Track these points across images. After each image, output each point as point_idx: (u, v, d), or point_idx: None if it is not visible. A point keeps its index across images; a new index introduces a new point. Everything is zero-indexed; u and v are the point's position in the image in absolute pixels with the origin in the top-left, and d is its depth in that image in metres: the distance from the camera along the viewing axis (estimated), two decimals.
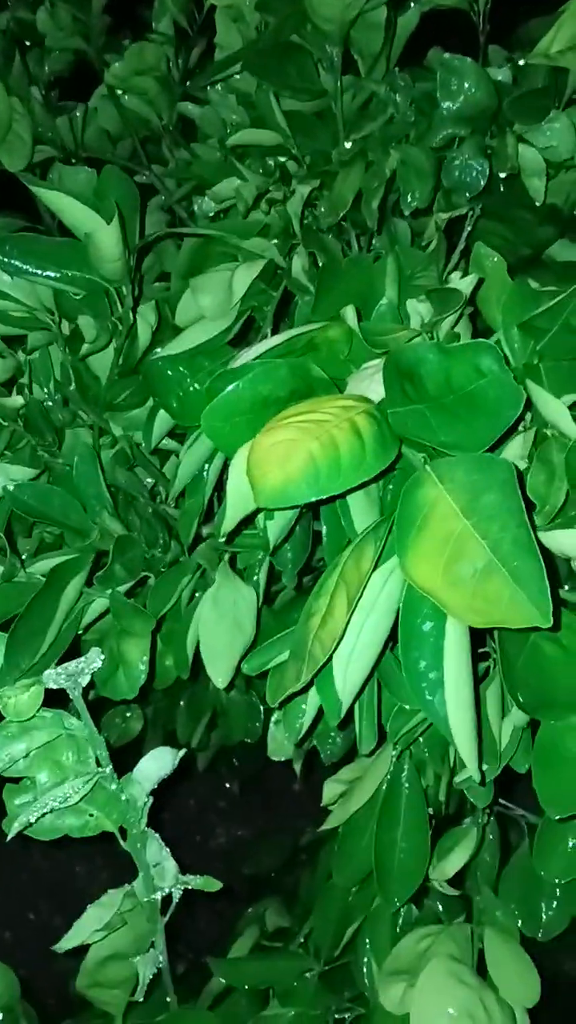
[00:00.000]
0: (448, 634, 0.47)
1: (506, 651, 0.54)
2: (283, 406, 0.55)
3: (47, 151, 1.20)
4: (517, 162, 0.82)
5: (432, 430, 0.52)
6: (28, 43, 1.26)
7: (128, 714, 1.01)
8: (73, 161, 1.22)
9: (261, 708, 1.12)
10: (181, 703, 1.13)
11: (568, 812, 0.51)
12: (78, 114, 1.20)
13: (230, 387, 0.55)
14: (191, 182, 1.16)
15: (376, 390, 0.56)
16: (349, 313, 0.59)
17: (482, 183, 0.82)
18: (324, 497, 0.48)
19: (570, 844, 0.65)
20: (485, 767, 0.57)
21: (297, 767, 0.87)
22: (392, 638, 0.53)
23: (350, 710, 0.55)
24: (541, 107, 0.81)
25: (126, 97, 1.21)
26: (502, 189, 0.92)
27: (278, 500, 0.48)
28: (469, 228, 0.80)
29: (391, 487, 0.60)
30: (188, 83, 1.21)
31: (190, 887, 0.70)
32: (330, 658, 0.48)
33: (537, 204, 0.90)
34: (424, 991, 0.58)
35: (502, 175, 0.84)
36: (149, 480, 0.83)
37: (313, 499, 0.48)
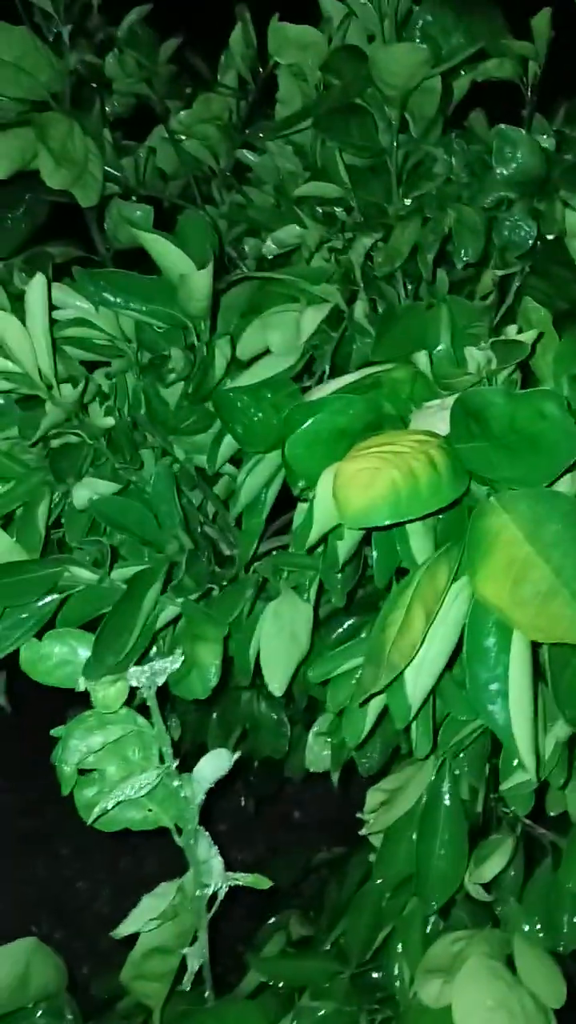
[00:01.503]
0: (513, 649, 0.53)
1: (553, 670, 0.59)
2: (357, 438, 0.61)
3: (111, 188, 1.28)
4: (564, 225, 0.89)
5: (494, 466, 0.58)
6: (94, 84, 1.34)
7: (170, 723, 1.05)
8: (133, 198, 1.29)
9: (289, 726, 1.17)
10: (214, 716, 1.17)
11: None
12: (141, 154, 1.27)
13: (311, 419, 0.61)
14: (243, 224, 1.23)
15: (440, 427, 0.62)
16: (422, 358, 0.65)
17: (530, 243, 0.89)
18: (403, 521, 0.54)
19: None
20: (528, 777, 0.62)
21: (335, 778, 0.91)
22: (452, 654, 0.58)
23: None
24: None
25: (186, 140, 1.28)
26: (539, 247, 1.00)
27: (363, 521, 0.53)
28: (518, 284, 0.87)
29: (442, 517, 0.66)
30: (247, 131, 1.29)
31: (239, 883, 0.74)
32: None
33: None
34: (463, 985, 0.62)
35: (548, 237, 0.91)
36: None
37: (393, 522, 0.53)
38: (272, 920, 1.08)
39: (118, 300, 0.76)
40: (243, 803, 1.49)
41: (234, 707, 1.18)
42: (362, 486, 0.54)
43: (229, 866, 0.75)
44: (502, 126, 0.89)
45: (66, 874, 1.80)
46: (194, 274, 0.70)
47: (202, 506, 0.93)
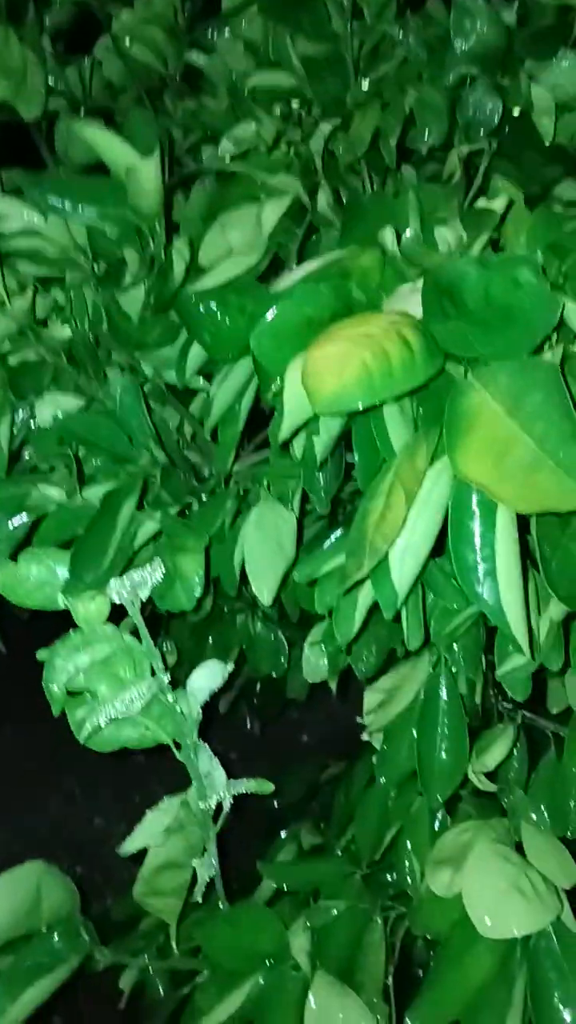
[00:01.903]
0: (498, 527, 0.51)
1: (543, 551, 0.58)
2: (325, 327, 0.58)
3: (57, 103, 1.21)
4: (529, 100, 0.84)
5: (471, 344, 0.55)
6: None
7: (165, 647, 1.05)
8: (82, 113, 1.23)
9: (286, 643, 1.17)
10: (209, 640, 1.17)
11: None
12: (86, 65, 1.21)
13: (276, 309, 0.58)
14: (198, 132, 1.17)
15: (413, 310, 0.59)
16: (388, 235, 0.62)
17: (496, 120, 0.84)
18: (377, 403, 0.52)
19: None
20: (524, 661, 0.62)
21: (333, 684, 0.91)
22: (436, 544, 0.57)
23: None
24: (550, 46, 0.83)
25: (132, 48, 1.21)
26: (509, 130, 0.95)
27: (334, 406, 0.51)
28: (485, 164, 0.83)
29: (422, 409, 0.63)
30: (193, 32, 1.22)
31: (242, 791, 0.74)
32: (386, 553, 0.52)
33: (545, 144, 0.93)
34: (473, 871, 0.62)
35: (513, 114, 0.86)
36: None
37: (368, 404, 0.51)
38: (283, 834, 1.09)
39: (66, 205, 0.72)
40: (248, 726, 1.50)
41: (229, 629, 1.17)
42: (332, 371, 0.51)
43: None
44: None
45: (79, 811, 1.83)
46: (141, 165, 0.66)
47: (180, 427, 0.90)
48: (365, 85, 0.88)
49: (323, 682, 1.03)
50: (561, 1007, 0.60)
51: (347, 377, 0.50)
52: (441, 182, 0.87)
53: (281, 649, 1.16)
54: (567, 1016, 0.59)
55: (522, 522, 0.56)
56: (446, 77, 0.86)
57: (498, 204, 0.60)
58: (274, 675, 1.21)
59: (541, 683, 0.91)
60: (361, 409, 0.51)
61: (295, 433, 0.60)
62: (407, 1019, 0.61)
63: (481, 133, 0.84)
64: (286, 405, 0.55)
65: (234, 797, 0.75)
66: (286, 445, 0.63)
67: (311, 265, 0.63)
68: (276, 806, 1.40)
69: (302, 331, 0.58)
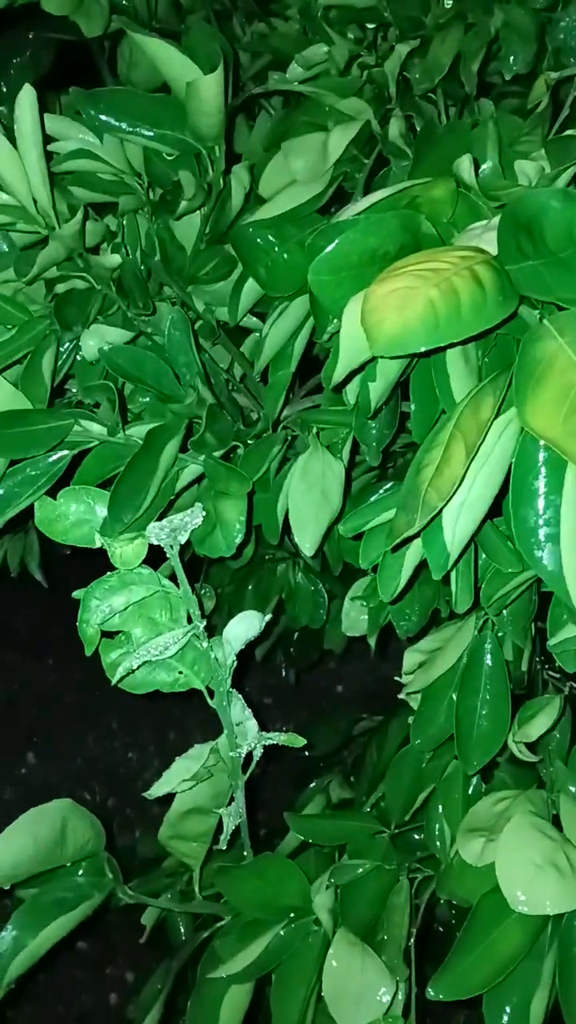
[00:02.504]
0: (566, 489, 0.47)
1: None
2: (391, 262, 0.54)
3: (120, 22, 1.16)
4: None
5: (550, 286, 0.50)
6: None
7: (204, 591, 1.03)
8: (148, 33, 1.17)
9: (326, 595, 1.14)
10: (249, 587, 1.15)
11: None
12: None
13: (337, 240, 0.54)
14: (267, 56, 1.11)
15: (487, 248, 0.55)
16: (464, 165, 0.57)
17: None
18: (442, 345, 0.48)
19: None
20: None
21: (372, 641, 0.88)
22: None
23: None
24: None
25: None
26: None
27: (396, 347, 0.47)
28: (575, 95, 0.76)
29: (489, 357, 0.59)
30: None
31: (273, 742, 0.72)
32: (440, 510, 0.49)
33: None
34: (508, 842, 0.60)
35: None
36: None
37: (432, 346, 0.47)
38: (313, 784, 1.08)
39: (122, 124, 0.68)
40: (284, 675, 1.49)
41: (270, 578, 1.15)
42: (395, 308, 0.47)
43: (286, 728, 0.74)
44: None
45: (116, 746, 1.86)
46: (203, 80, 0.62)
47: (230, 367, 0.87)
48: (449, 4, 0.81)
49: (362, 636, 1.01)
50: None
51: (410, 316, 0.46)
52: (523, 114, 0.81)
53: (321, 601, 1.14)
54: None
55: None
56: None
57: None
58: (311, 626, 1.20)
59: None
60: (424, 352, 0.47)
61: (350, 377, 0.56)
62: (429, 989, 0.60)
63: (572, 61, 0.77)
64: (342, 345, 0.51)
65: (265, 747, 0.74)
66: (339, 389, 0.59)
67: (378, 195, 0.58)
68: (308, 755, 1.40)
69: (365, 265, 0.54)
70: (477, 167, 0.64)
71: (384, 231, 0.54)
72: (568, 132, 0.60)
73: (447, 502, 0.46)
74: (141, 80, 1.16)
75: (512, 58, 0.78)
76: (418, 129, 0.77)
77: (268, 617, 0.74)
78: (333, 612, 1.18)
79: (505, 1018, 0.59)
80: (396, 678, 0.80)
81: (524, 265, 0.51)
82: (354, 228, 0.54)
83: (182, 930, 0.94)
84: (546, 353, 0.48)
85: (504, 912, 0.59)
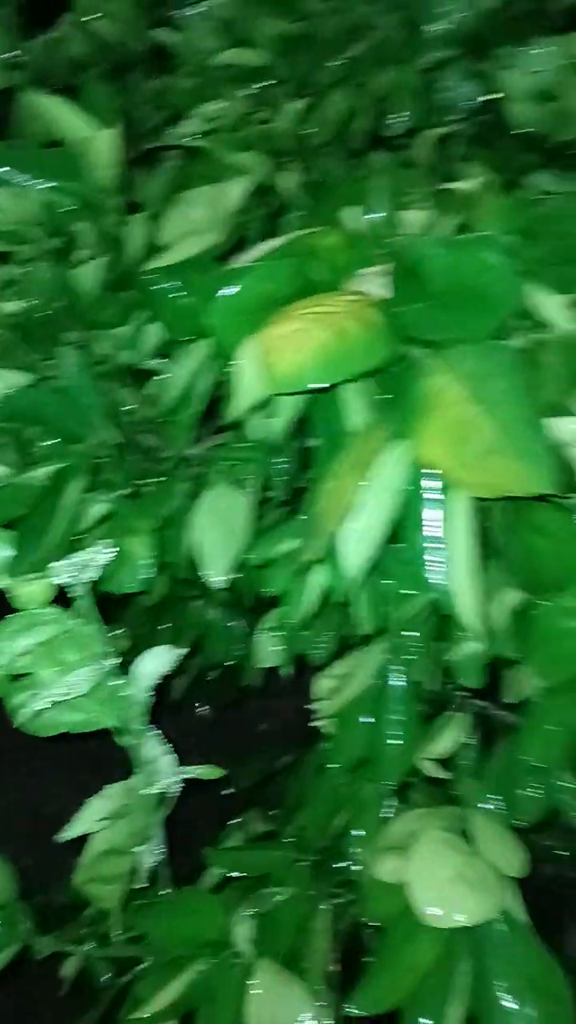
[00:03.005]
0: (453, 512, 0.50)
1: (503, 538, 0.57)
2: (285, 306, 0.57)
3: (17, 77, 1.18)
4: (505, 86, 0.84)
5: (435, 326, 0.54)
6: None
7: (120, 633, 1.03)
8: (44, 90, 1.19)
9: (239, 630, 1.15)
10: (163, 627, 1.15)
11: (557, 679, 0.55)
12: (50, 39, 1.18)
13: (235, 285, 0.57)
14: (165, 111, 1.15)
15: (376, 293, 0.58)
16: (353, 214, 0.61)
17: (469, 105, 0.83)
18: (334, 382, 0.51)
19: (553, 727, 0.70)
20: (477, 648, 0.61)
21: (285, 671, 0.90)
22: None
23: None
24: (529, 31, 0.83)
25: (98, 23, 1.19)
26: (483, 116, 0.95)
27: (292, 385, 0.50)
28: (459, 149, 0.82)
29: (383, 395, 0.62)
30: (161, 9, 1.19)
31: (190, 776, 0.73)
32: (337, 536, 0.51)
33: (520, 131, 0.93)
34: (419, 858, 0.62)
35: (488, 99, 0.86)
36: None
37: (324, 383, 0.50)
38: (232, 822, 1.08)
39: (20, 178, 0.70)
40: (204, 714, 1.49)
41: (184, 616, 1.16)
42: (290, 347, 0.50)
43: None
44: None
45: (30, 797, 1.80)
46: (99, 135, 0.64)
47: (136, 410, 0.88)
48: (340, 65, 0.87)
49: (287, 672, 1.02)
50: (503, 996, 0.60)
51: (304, 355, 0.49)
52: (411, 167, 0.86)
53: (235, 636, 1.15)
54: (509, 1005, 0.59)
55: (482, 511, 0.56)
56: (421, 59, 0.85)
57: (469, 186, 0.59)
58: (228, 663, 1.20)
59: (498, 673, 0.91)
60: (317, 388, 0.50)
61: (253, 413, 0.59)
62: (350, 1004, 0.61)
63: (454, 118, 0.83)
64: (241, 382, 0.54)
65: (185, 786, 0.74)
66: (237, 425, 0.62)
67: (273, 243, 0.62)
68: (228, 794, 1.39)
69: (261, 309, 0.57)
70: (367, 217, 0.68)
71: (279, 276, 0.57)
72: (451, 184, 0.64)
73: (344, 528, 0.49)
74: (37, 132, 1.18)
75: (400, 115, 0.83)
76: (312, 182, 0.81)
77: (184, 651, 0.75)
78: (250, 647, 1.19)
79: None
80: (307, 706, 0.82)
81: (412, 307, 0.55)
82: (251, 274, 0.57)
83: (102, 978, 0.92)
84: (433, 388, 0.51)
85: (418, 926, 0.61)
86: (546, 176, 0.96)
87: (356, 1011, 0.61)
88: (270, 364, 0.49)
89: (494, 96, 0.84)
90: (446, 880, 0.60)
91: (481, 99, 0.84)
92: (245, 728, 1.85)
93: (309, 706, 0.94)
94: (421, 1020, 0.60)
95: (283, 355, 0.49)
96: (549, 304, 0.57)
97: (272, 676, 1.34)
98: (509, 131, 0.91)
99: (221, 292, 0.56)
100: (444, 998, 0.61)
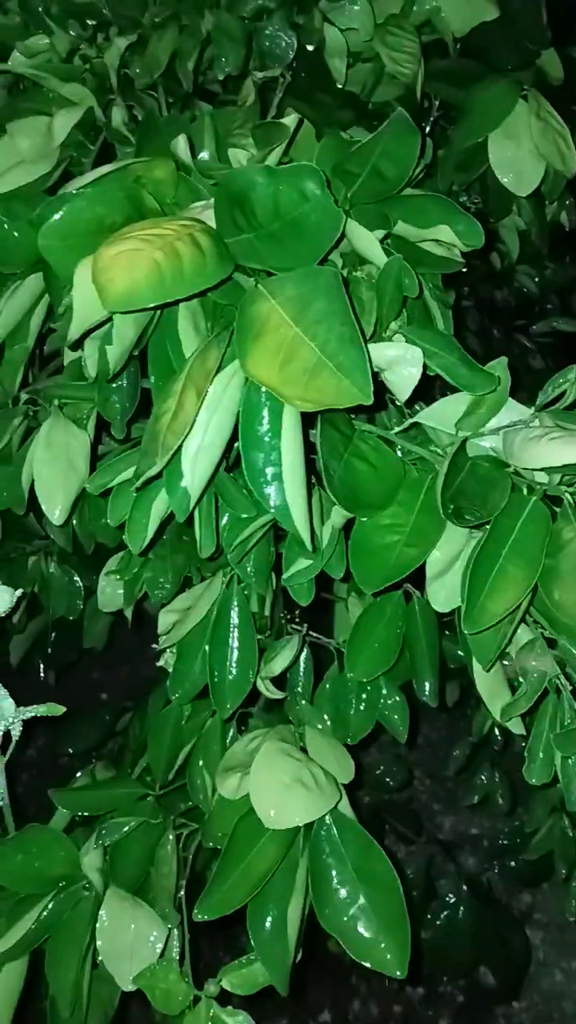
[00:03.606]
0: (284, 432, 0.53)
1: (328, 466, 0.61)
2: (117, 230, 0.57)
3: None
4: (323, 39, 0.87)
5: (261, 256, 0.57)
6: None
7: None
8: None
9: (81, 585, 1.15)
10: None
11: (379, 586, 0.60)
12: None
13: (65, 208, 0.57)
14: None
15: (207, 222, 0.60)
16: (181, 144, 0.62)
17: (291, 54, 0.86)
18: (167, 301, 0.52)
19: (376, 646, 0.75)
20: (309, 563, 0.65)
21: (128, 613, 0.91)
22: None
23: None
24: None
25: None
26: (302, 69, 0.97)
27: (126, 303, 0.51)
28: (279, 97, 0.84)
29: (212, 322, 0.64)
30: None
31: (31, 715, 0.73)
32: (178, 454, 0.53)
33: (338, 87, 0.96)
34: (259, 769, 0.65)
35: (307, 50, 0.88)
36: None
37: (158, 301, 0.51)
38: (78, 775, 1.08)
39: None
40: (43, 676, 1.46)
41: (21, 571, 1.13)
42: (123, 268, 0.51)
43: (33, 738, 0.74)
44: None
45: None
46: None
47: None
48: (164, 7, 0.87)
49: (123, 634, 1.01)
50: (338, 888, 0.64)
51: (138, 275, 0.50)
52: (233, 108, 0.88)
53: (77, 590, 1.14)
54: (343, 894, 0.64)
55: (308, 443, 0.59)
56: (244, 7, 0.86)
57: (288, 120, 0.62)
58: (71, 619, 1.19)
59: (328, 609, 0.96)
60: (151, 307, 0.51)
61: (84, 337, 0.59)
62: (195, 911, 0.63)
63: (275, 66, 0.85)
64: (75, 304, 0.54)
65: (26, 747, 0.74)
66: (76, 347, 0.62)
67: (102, 169, 0.61)
68: (71, 753, 1.38)
69: (93, 233, 0.57)
70: (194, 154, 0.69)
71: (110, 201, 0.58)
72: (271, 119, 0.67)
73: (183, 443, 0.51)
74: None
75: (224, 59, 0.85)
76: (140, 120, 0.81)
77: (19, 593, 0.74)
78: (91, 608, 1.18)
79: (267, 926, 0.64)
80: (153, 645, 0.83)
81: (239, 238, 0.57)
82: (81, 197, 0.57)
83: None
84: (261, 312, 0.54)
85: (258, 831, 0.64)
86: (361, 132, 1.00)
87: (202, 916, 0.63)
88: (104, 284, 0.50)
89: (312, 47, 0.87)
90: (284, 785, 0.64)
91: (300, 50, 0.87)
92: (86, 695, 1.83)
93: (148, 674, 0.95)
94: (265, 919, 0.64)
95: (117, 274, 0.50)
96: (364, 238, 0.60)
97: (110, 647, 1.34)
98: (327, 87, 0.94)
99: (51, 217, 0.56)
100: (285, 896, 0.65)
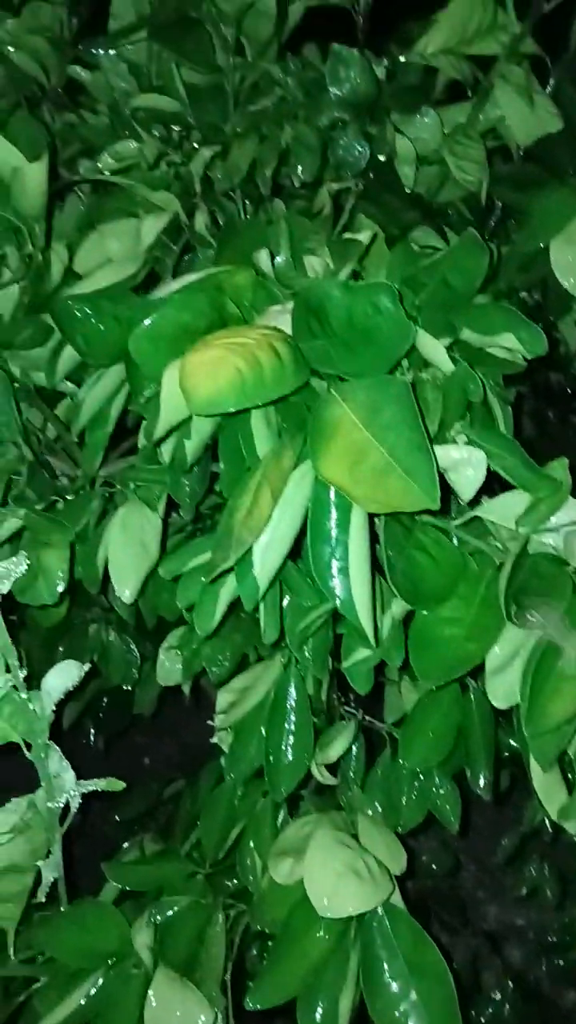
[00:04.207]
0: (352, 528, 0.56)
1: (390, 558, 0.63)
2: (200, 335, 0.62)
3: None
4: (394, 148, 0.92)
5: (334, 361, 0.60)
6: None
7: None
8: None
9: (137, 654, 1.17)
10: (60, 649, 1.16)
11: (439, 681, 0.61)
12: None
13: (155, 315, 0.61)
14: (75, 145, 1.19)
15: (283, 328, 0.64)
16: (262, 256, 0.66)
17: (363, 163, 0.91)
18: (248, 407, 0.56)
19: (431, 735, 0.76)
20: (368, 654, 0.67)
21: (187, 688, 0.93)
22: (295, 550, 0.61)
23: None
24: (416, 101, 0.92)
25: (14, 55, 1.22)
26: (373, 175, 1.03)
27: (209, 408, 0.54)
28: (351, 204, 0.90)
29: (285, 421, 0.68)
30: (79, 46, 1.24)
31: (92, 788, 0.74)
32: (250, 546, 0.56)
33: (406, 191, 1.01)
34: (313, 856, 0.66)
35: (379, 159, 0.94)
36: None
37: (239, 407, 0.55)
38: (125, 845, 1.09)
39: None
40: (92, 741, 1.48)
41: (81, 638, 1.17)
42: (208, 374, 0.54)
43: (82, 798, 0.75)
44: (336, 46, 0.91)
45: None
46: (27, 167, 0.68)
47: (43, 428, 0.91)
48: (245, 118, 0.93)
49: (170, 703, 1.02)
50: (390, 981, 0.64)
51: (222, 381, 0.54)
52: (310, 216, 0.93)
53: (133, 659, 1.17)
54: (394, 988, 0.63)
55: (372, 533, 0.62)
56: (320, 119, 0.92)
57: (363, 236, 0.66)
58: (124, 687, 1.22)
59: (379, 691, 0.97)
60: (233, 412, 0.55)
61: (167, 435, 0.63)
62: (247, 1000, 0.64)
63: (348, 174, 0.91)
64: (162, 405, 0.58)
65: (79, 809, 0.75)
66: (159, 444, 0.66)
67: (188, 278, 0.66)
68: (119, 821, 1.39)
69: (179, 337, 0.61)
70: (272, 259, 0.74)
71: (195, 309, 0.62)
72: (347, 235, 0.71)
73: (256, 540, 0.54)
74: None
75: (300, 167, 0.90)
76: (220, 223, 0.87)
77: (86, 667, 0.77)
78: (144, 673, 1.21)
79: (317, 1017, 0.64)
80: (209, 721, 0.85)
81: (314, 344, 0.61)
82: (170, 305, 0.62)
83: None
84: (333, 416, 0.57)
85: (311, 920, 0.65)
86: (426, 231, 1.05)
87: (256, 1005, 0.63)
88: (190, 389, 0.54)
89: (384, 157, 0.93)
90: (338, 873, 0.64)
91: (372, 158, 0.92)
92: (131, 762, 1.85)
93: (192, 742, 0.96)
94: (316, 1009, 0.64)
95: (203, 380, 0.54)
96: (431, 345, 0.63)
97: (158, 713, 1.36)
98: (395, 189, 0.99)
99: (142, 321, 0.60)
100: (337, 986, 0.65)
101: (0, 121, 1.09)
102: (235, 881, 0.84)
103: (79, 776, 0.78)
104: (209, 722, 0.85)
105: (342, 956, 0.65)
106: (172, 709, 1.33)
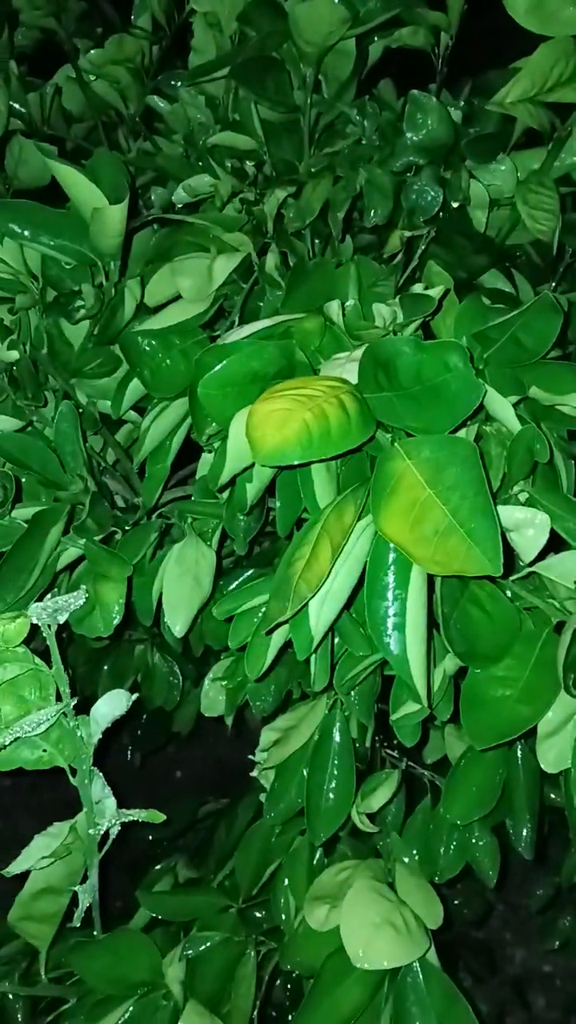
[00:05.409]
0: (411, 584, 0.56)
1: (445, 611, 0.63)
2: (268, 382, 0.63)
3: (14, 124, 1.23)
4: (468, 194, 0.92)
5: (400, 415, 0.60)
6: None
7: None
8: (36, 137, 1.25)
9: (180, 676, 1.18)
10: (104, 667, 1.17)
11: (490, 743, 0.60)
12: (48, 92, 1.23)
13: (225, 361, 0.62)
14: (150, 173, 1.21)
15: (349, 377, 0.64)
16: (334, 307, 0.67)
17: (436, 208, 0.92)
18: (313, 460, 0.56)
19: (474, 789, 0.75)
20: (417, 709, 0.66)
21: (229, 720, 0.93)
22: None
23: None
24: (492, 149, 0.92)
25: (96, 82, 1.25)
26: (445, 219, 1.03)
27: (275, 459, 0.55)
28: (422, 249, 0.90)
29: (346, 463, 0.68)
30: (158, 78, 1.26)
31: (132, 818, 0.75)
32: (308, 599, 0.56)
33: (475, 234, 1.01)
34: (350, 905, 0.66)
35: (452, 205, 0.94)
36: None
37: (305, 460, 0.55)
38: (159, 867, 1.10)
39: (25, 232, 0.74)
40: (129, 757, 1.50)
41: (127, 658, 1.18)
42: (276, 426, 0.55)
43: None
44: (414, 92, 0.91)
45: None
46: (108, 208, 0.69)
47: (103, 453, 0.92)
48: (320, 158, 0.94)
49: (204, 722, 1.03)
50: None
51: (289, 434, 0.54)
52: (377, 255, 0.94)
53: (176, 682, 1.18)
54: None
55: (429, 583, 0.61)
56: (395, 162, 0.93)
57: (435, 292, 0.66)
58: (165, 707, 1.23)
59: (423, 732, 0.96)
60: (298, 464, 0.55)
61: (233, 479, 0.63)
62: None
63: (422, 218, 0.91)
64: (228, 453, 0.58)
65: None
66: (223, 490, 0.66)
67: (258, 324, 0.67)
68: (151, 839, 1.40)
69: (247, 384, 0.62)
70: (342, 307, 0.75)
71: (264, 356, 0.63)
72: (417, 287, 0.71)
73: (315, 593, 0.54)
74: (28, 178, 1.23)
75: (373, 211, 0.91)
76: (290, 263, 0.88)
77: (135, 697, 0.78)
78: (188, 694, 1.22)
79: None
80: (250, 756, 0.86)
81: (380, 396, 0.61)
82: (239, 352, 0.63)
83: (20, 1018, 0.92)
84: (396, 471, 0.57)
85: (346, 970, 0.64)
86: (493, 274, 1.05)
87: None
88: (256, 440, 0.54)
89: (458, 202, 0.93)
90: (374, 925, 0.64)
91: (445, 203, 0.92)
92: (162, 775, 1.85)
93: (229, 756, 0.96)
94: None
95: (270, 432, 0.54)
96: (498, 403, 0.63)
97: (197, 720, 1.36)
98: (466, 232, 0.99)
99: (212, 366, 0.61)
100: None
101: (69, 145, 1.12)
102: (266, 916, 0.84)
103: (111, 786, 0.79)
104: (251, 757, 0.85)
105: (374, 1009, 0.65)
106: (206, 722, 1.34)
